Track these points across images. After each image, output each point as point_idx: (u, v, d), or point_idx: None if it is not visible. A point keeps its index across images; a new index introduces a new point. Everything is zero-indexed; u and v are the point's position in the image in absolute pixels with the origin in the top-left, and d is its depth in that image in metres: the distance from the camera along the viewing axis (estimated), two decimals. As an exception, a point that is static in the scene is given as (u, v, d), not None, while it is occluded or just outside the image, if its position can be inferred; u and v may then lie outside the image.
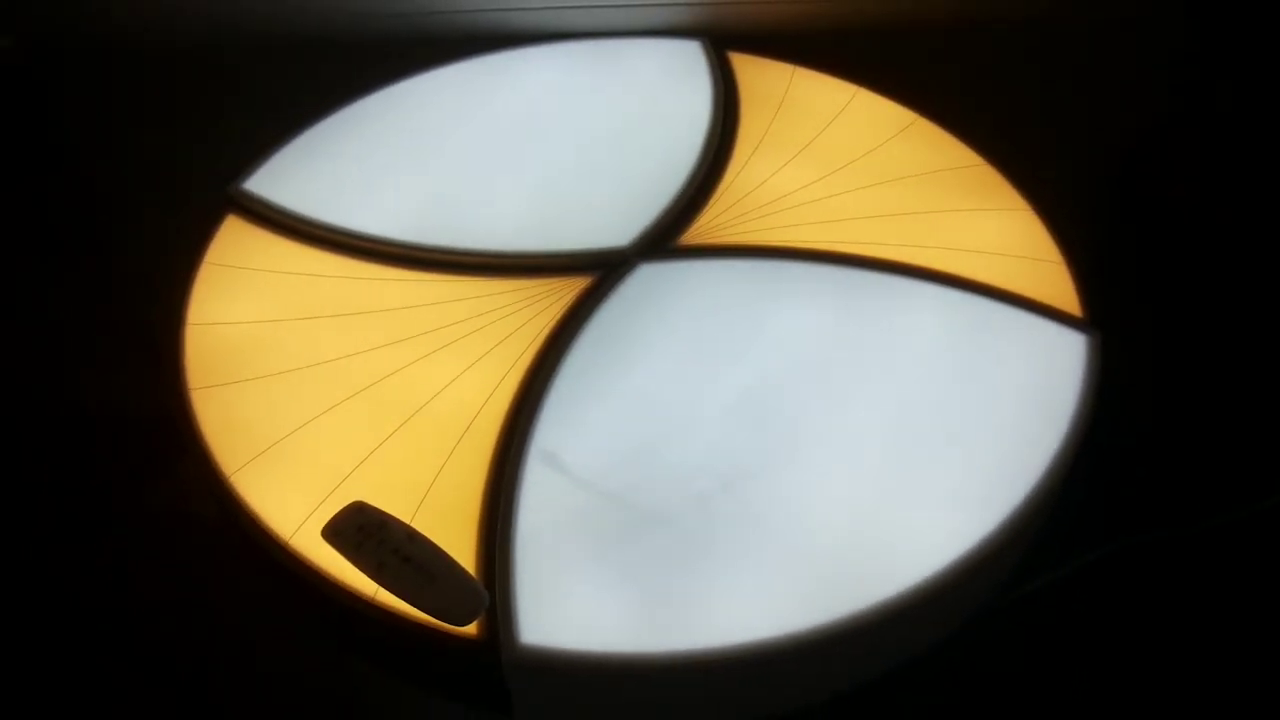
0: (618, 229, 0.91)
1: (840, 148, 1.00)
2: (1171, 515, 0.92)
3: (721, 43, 1.12)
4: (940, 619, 0.75)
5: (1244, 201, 1.19)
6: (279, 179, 0.96)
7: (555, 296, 0.86)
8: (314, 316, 0.85)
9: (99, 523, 1.00)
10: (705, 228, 0.92)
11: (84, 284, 1.10)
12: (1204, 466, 0.97)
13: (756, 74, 1.09)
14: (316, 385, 0.80)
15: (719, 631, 0.66)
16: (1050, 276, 0.89)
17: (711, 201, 0.94)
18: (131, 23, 1.12)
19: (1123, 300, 0.87)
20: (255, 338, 0.84)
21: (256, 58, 1.14)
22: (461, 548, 0.70)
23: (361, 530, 0.69)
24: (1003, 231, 0.92)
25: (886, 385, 0.80)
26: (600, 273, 0.88)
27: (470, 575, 0.67)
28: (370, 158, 0.99)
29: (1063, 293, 0.87)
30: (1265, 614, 0.90)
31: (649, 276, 0.87)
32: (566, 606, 0.68)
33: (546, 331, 0.83)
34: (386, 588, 0.66)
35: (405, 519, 0.70)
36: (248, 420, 0.78)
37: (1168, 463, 0.97)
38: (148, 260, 0.91)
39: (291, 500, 0.73)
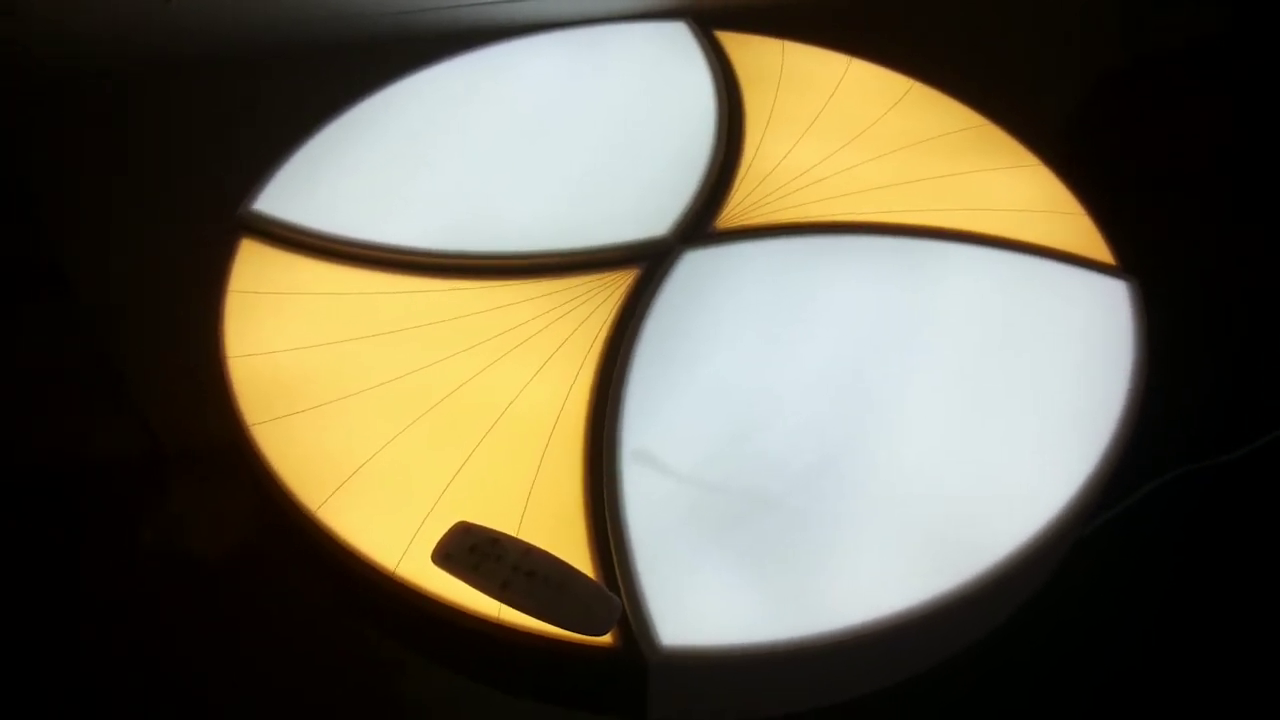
0: (650, 217, 0.90)
1: (847, 119, 1.01)
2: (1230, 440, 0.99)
3: (704, 22, 1.11)
4: (1040, 573, 0.77)
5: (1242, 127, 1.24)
6: (288, 195, 0.91)
7: (606, 292, 0.85)
8: (358, 337, 0.81)
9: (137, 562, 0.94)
10: (738, 209, 0.92)
11: (96, 326, 1.02)
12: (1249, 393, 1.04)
13: (748, 51, 1.09)
14: (383, 407, 0.77)
15: (847, 608, 0.67)
16: (1074, 227, 0.92)
17: (738, 183, 0.94)
18: (103, 46, 1.04)
19: (1144, 243, 0.90)
20: (301, 365, 0.80)
21: (236, 73, 1.08)
22: (576, 556, 0.68)
23: (474, 550, 0.66)
24: (1020, 188, 0.95)
25: (953, 348, 0.81)
26: (645, 264, 0.87)
27: (598, 583, 0.66)
28: (378, 164, 0.95)
29: (1090, 242, 0.90)
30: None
31: (695, 263, 0.87)
32: (695, 603, 0.67)
33: (607, 327, 0.82)
34: (514, 606, 0.64)
35: (510, 533, 0.68)
36: (320, 451, 0.74)
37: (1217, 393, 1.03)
38: (166, 295, 0.85)
39: (385, 528, 0.70)
